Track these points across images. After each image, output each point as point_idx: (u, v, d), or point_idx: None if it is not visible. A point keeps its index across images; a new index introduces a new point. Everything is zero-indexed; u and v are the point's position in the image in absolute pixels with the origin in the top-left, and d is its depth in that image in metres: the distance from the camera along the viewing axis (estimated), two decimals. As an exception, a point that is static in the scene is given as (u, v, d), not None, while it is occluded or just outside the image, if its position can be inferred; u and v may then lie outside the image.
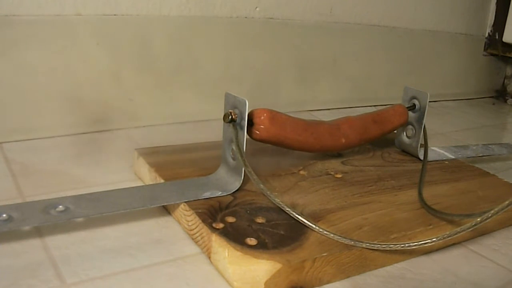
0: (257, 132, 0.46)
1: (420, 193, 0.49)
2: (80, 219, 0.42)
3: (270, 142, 0.48)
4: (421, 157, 0.60)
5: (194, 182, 0.47)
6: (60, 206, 0.40)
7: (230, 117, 0.44)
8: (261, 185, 0.42)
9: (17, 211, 0.39)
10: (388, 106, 0.61)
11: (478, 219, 0.36)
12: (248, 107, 0.44)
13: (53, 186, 0.49)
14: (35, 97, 0.60)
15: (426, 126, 0.61)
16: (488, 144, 0.70)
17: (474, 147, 0.67)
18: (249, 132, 0.46)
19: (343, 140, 0.54)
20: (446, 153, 0.63)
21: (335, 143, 0.54)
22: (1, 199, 0.46)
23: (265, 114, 0.46)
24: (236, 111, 0.45)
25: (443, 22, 1.04)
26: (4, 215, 0.38)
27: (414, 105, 0.61)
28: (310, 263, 0.37)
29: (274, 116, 0.47)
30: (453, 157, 0.63)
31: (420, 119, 0.61)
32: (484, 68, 1.17)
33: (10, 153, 0.56)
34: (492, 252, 0.45)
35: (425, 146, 0.61)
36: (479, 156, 0.67)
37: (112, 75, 0.65)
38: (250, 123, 0.46)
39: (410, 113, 0.61)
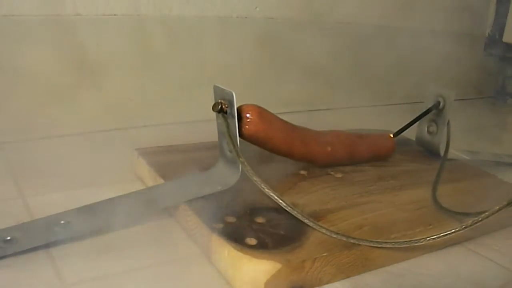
0: (246, 127, 0.46)
1: (434, 190, 0.50)
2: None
3: (258, 140, 0.47)
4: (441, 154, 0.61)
5: (193, 179, 0.47)
6: (62, 222, 0.40)
7: (220, 106, 0.44)
8: (255, 178, 0.41)
9: (20, 231, 0.38)
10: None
11: (477, 219, 0.36)
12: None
13: (53, 186, 0.49)
14: (35, 97, 0.60)
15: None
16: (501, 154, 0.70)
17: (489, 154, 0.68)
18: (239, 127, 0.46)
19: (329, 148, 0.54)
20: (462, 155, 0.64)
21: (321, 150, 0.53)
22: (1, 199, 0.46)
23: (253, 109, 0.46)
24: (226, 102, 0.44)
25: (443, 22, 1.04)
26: (8, 238, 0.37)
27: (439, 102, 0.62)
28: (310, 263, 0.37)
29: (262, 111, 0.47)
30: (468, 158, 0.64)
31: (444, 117, 0.62)
32: (484, 68, 1.17)
33: (10, 153, 0.56)
34: (492, 252, 0.45)
35: (447, 143, 0.61)
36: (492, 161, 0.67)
37: (112, 75, 0.65)
38: (239, 117, 0.45)
39: (434, 110, 0.62)
